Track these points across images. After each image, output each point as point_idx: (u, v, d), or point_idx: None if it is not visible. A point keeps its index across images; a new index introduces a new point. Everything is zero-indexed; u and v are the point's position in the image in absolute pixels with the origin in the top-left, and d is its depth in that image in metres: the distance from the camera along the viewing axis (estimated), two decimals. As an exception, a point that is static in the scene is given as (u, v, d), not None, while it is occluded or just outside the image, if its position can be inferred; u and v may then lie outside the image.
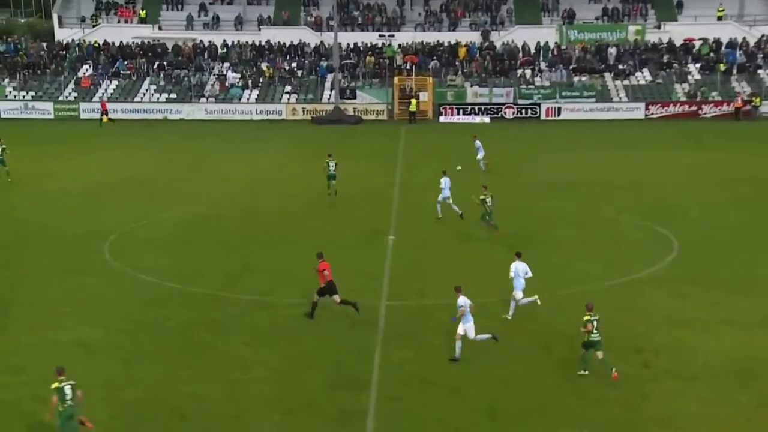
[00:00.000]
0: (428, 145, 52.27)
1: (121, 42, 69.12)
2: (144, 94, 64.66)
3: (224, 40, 69.41)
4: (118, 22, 73.28)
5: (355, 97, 63.97)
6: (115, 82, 65.46)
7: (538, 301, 23.66)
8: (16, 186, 39.89)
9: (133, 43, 69.11)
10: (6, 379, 19.84)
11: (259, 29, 71.70)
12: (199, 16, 73.25)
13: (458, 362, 20.56)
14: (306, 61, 68.01)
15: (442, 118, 62.21)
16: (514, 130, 57.31)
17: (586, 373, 19.97)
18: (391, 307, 24.42)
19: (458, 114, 62.33)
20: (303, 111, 63.32)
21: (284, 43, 69.54)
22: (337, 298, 23.27)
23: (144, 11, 73.03)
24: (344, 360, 20.88)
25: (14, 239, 31.29)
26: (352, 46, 68.95)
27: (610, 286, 25.98)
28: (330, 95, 64.56)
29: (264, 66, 67.08)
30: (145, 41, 69.28)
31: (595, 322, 19.97)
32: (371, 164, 45.71)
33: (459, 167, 40.21)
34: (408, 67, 65.54)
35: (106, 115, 60.61)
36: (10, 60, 66.54)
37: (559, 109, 62.17)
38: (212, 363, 20.78)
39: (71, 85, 64.95)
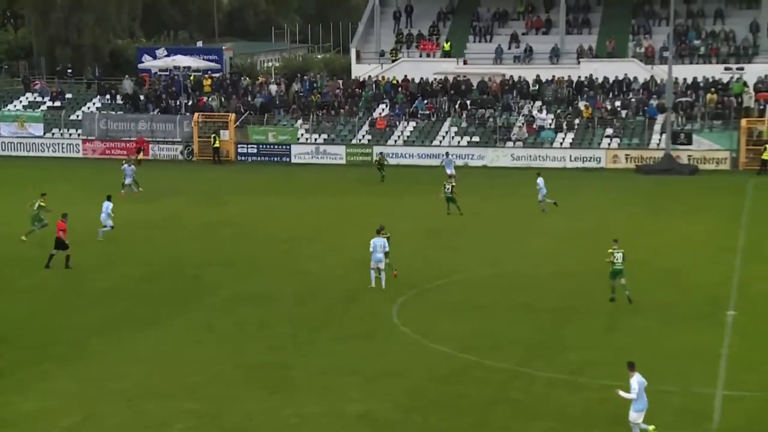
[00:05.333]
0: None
1: (421, 78, 71.89)
2: (443, 137, 66.71)
3: (537, 76, 70.27)
4: (420, 56, 76.39)
5: (690, 143, 62.34)
6: (412, 124, 68.09)
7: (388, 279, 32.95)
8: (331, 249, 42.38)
9: (434, 79, 71.66)
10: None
11: (578, 62, 72.00)
12: (509, 48, 74.77)
13: None
14: (632, 100, 67.34)
15: (801, 169, 59.24)
16: None
17: (613, 298, 31.02)
18: (729, 398, 23.52)
19: (823, 165, 59.10)
20: (626, 158, 62.64)
21: (607, 78, 69.32)
22: (61, 253, 35.53)
23: (449, 43, 75.63)
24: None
25: (298, 294, 33.25)
26: (689, 81, 67.46)
27: None
28: (660, 140, 63.39)
29: (582, 105, 67.15)
30: (448, 77, 71.59)
31: (618, 254, 30.78)
32: (708, 224, 44.50)
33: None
34: (761, 107, 63.08)
35: (140, 152, 64.63)
36: (304, 100, 71.15)
37: None
38: (511, 451, 20.86)
39: (365, 127, 68.31)
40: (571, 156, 63.63)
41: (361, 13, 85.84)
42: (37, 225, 39.84)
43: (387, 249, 32.95)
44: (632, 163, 62.19)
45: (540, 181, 47.47)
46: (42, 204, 40.12)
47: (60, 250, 35.82)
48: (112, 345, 27.74)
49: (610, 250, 31.14)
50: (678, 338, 27.89)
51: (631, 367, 20.60)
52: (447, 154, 57.99)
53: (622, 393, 20.55)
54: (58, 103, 73.96)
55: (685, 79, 67.47)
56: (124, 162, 54.14)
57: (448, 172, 52.98)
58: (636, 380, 20.40)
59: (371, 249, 32.97)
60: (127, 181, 51.19)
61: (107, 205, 40.59)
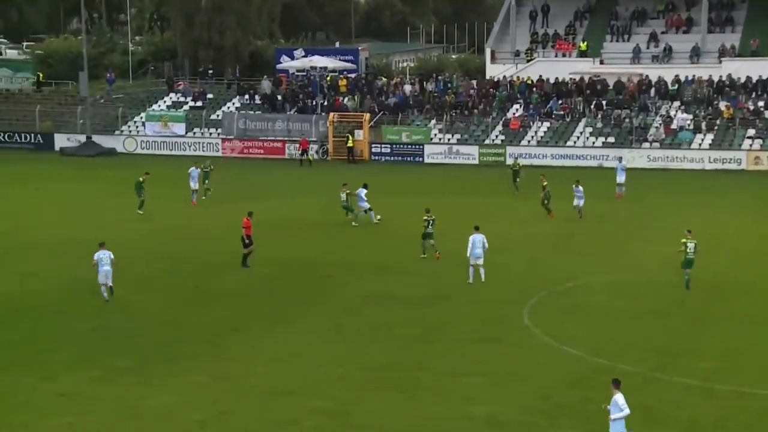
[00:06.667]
0: None
1: (556, 78, 71.01)
2: (578, 138, 65.77)
3: (675, 75, 68.69)
4: (555, 56, 75.57)
5: (841, 143, 60.16)
6: (546, 124, 67.30)
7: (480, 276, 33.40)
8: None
9: (570, 79, 70.72)
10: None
11: (720, 62, 70.19)
12: (647, 48, 73.39)
13: None
14: (776, 100, 65.27)
15: None
16: None
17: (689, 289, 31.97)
18: None
19: None
20: (768, 160, 60.80)
21: (750, 78, 67.29)
22: (247, 249, 36.31)
23: (585, 43, 74.65)
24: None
25: (425, 295, 33.16)
26: None
27: None
28: (806, 141, 61.37)
29: (723, 106, 65.32)
30: (584, 77, 70.57)
31: (690, 245, 31.85)
32: None
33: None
34: None
35: (307, 154, 65.50)
36: (438, 100, 71.10)
37: None
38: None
39: (499, 127, 67.84)
40: (710, 157, 61.97)
41: (496, 14, 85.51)
42: (355, 211, 44.81)
43: (486, 245, 33.42)
44: (774, 165, 60.33)
45: (580, 188, 45.65)
46: (348, 192, 44.81)
47: (245, 248, 36.61)
48: (243, 343, 28.14)
49: (683, 240, 32.19)
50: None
51: (616, 385, 19.81)
52: (620, 159, 54.87)
53: (614, 415, 19.58)
54: (199, 103, 75.60)
55: None
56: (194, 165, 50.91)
57: (618, 180, 50.60)
58: (622, 397, 19.53)
59: (470, 245, 33.44)
60: (193, 185, 49.56)
61: (361, 191, 44.58)
